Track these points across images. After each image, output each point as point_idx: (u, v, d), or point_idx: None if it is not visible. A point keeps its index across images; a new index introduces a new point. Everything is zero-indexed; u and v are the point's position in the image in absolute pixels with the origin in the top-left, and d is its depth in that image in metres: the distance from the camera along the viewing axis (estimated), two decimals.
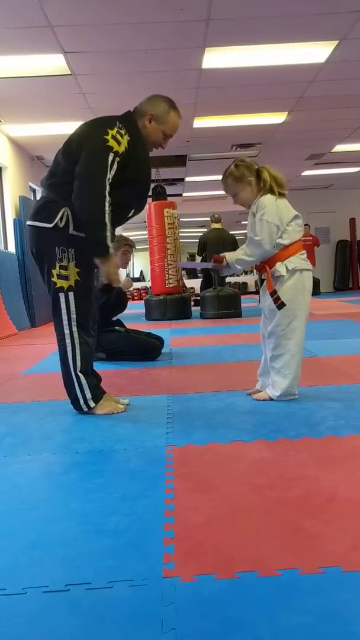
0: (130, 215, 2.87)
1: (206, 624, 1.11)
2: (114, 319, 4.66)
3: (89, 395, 2.74)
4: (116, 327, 4.62)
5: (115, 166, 2.56)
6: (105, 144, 2.55)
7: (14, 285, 7.72)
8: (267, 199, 2.79)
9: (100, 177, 2.53)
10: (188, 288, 12.67)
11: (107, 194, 2.53)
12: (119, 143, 2.57)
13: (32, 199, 9.56)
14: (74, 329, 2.69)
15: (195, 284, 16.53)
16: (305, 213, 14.07)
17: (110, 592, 1.23)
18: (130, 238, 4.75)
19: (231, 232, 9.44)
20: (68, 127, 7.73)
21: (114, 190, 2.56)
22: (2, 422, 2.75)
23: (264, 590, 1.21)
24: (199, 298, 8.97)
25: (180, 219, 9.40)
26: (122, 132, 2.61)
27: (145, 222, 9.06)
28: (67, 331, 2.69)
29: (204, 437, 2.29)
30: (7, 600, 1.22)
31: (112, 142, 2.56)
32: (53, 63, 5.60)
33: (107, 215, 2.53)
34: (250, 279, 15.57)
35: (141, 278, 19.92)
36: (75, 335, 2.70)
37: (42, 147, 9.05)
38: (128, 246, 4.59)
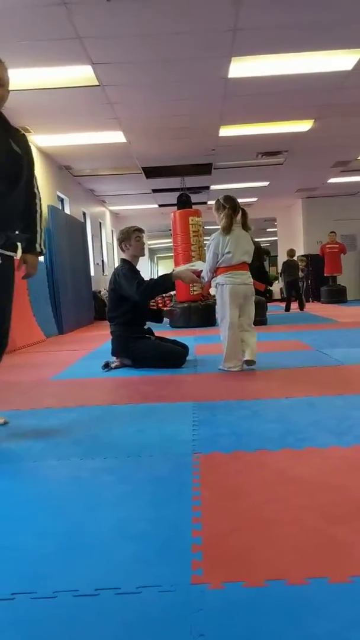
0: (8, 198, 2.56)
1: (234, 631, 1.11)
2: (145, 327, 4.71)
3: None
4: (146, 335, 4.67)
5: None
6: None
7: (42, 293, 7.83)
8: (215, 235, 4.14)
9: None
10: (211, 295, 12.53)
11: None
12: None
13: (60, 208, 9.70)
14: None
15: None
16: (331, 220, 14.00)
17: (139, 597, 1.25)
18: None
19: (256, 240, 9.41)
20: (96, 137, 7.98)
21: None
22: (31, 428, 2.79)
23: (292, 599, 1.21)
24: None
25: (205, 227, 9.41)
26: None
27: (170, 230, 9.10)
28: None
29: (230, 445, 2.30)
30: (37, 604, 1.25)
31: None
32: (81, 74, 5.69)
33: None
34: (276, 287, 15.49)
35: None
36: None
37: (70, 157, 9.18)
38: (137, 231, 4.61)
